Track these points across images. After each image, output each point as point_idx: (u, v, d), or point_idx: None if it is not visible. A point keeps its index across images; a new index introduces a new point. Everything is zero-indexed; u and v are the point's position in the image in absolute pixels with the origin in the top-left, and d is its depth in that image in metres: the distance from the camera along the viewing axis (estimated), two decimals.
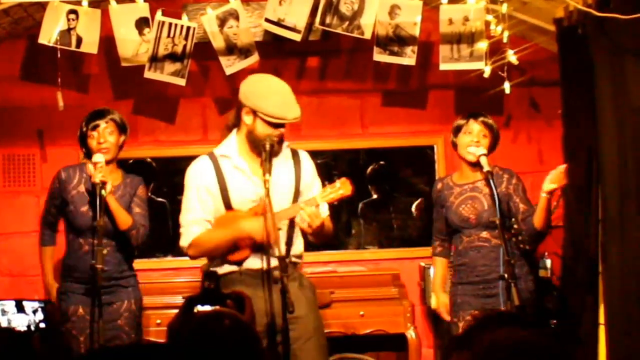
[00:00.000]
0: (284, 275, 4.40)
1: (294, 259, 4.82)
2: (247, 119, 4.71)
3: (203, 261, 5.03)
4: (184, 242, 4.80)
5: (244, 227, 4.66)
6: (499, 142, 5.44)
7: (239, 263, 4.73)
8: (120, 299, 5.32)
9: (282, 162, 4.82)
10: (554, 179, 5.11)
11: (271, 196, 4.59)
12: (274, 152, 4.72)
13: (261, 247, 4.63)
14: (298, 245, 4.86)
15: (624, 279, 5.11)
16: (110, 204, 5.18)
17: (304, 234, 4.81)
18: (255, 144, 4.70)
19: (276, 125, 4.67)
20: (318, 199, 4.68)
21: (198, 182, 4.79)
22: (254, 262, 4.70)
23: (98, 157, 5.21)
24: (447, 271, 5.63)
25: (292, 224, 4.78)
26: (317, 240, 4.88)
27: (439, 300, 5.57)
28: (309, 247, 5.07)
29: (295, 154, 4.89)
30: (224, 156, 4.79)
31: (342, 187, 4.71)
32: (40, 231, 5.66)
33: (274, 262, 4.55)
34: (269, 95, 4.71)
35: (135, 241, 5.36)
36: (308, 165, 4.91)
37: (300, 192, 4.81)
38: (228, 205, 4.74)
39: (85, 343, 5.27)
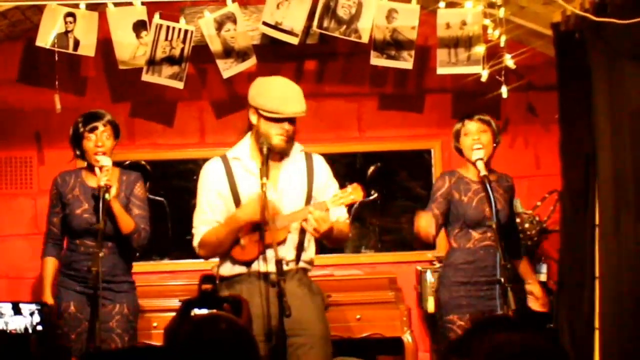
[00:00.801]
0: (281, 278, 4.40)
1: (304, 265, 4.81)
2: (252, 118, 4.75)
3: (204, 264, 5.03)
4: (194, 242, 4.84)
5: (239, 214, 4.68)
6: (500, 138, 5.45)
7: (248, 264, 4.73)
8: (112, 302, 5.30)
9: (294, 165, 4.81)
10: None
11: (282, 199, 4.67)
12: (283, 152, 4.72)
13: (259, 227, 4.62)
14: (310, 251, 4.85)
15: (618, 284, 5.11)
16: (113, 207, 5.16)
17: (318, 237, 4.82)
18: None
19: (277, 120, 4.67)
20: (328, 203, 4.67)
21: (209, 185, 4.81)
22: (262, 265, 4.70)
23: (105, 161, 5.18)
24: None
25: (303, 229, 4.76)
26: (331, 244, 4.91)
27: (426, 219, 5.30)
28: None
29: (309, 157, 4.89)
30: (235, 158, 4.81)
31: (353, 193, 4.70)
32: (43, 244, 5.52)
33: (272, 267, 4.54)
34: (269, 91, 4.74)
35: (136, 244, 5.34)
36: (322, 170, 4.89)
37: (313, 196, 4.79)
38: (238, 206, 4.75)
39: (76, 342, 5.26)
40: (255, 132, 4.75)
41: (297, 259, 4.75)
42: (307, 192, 4.78)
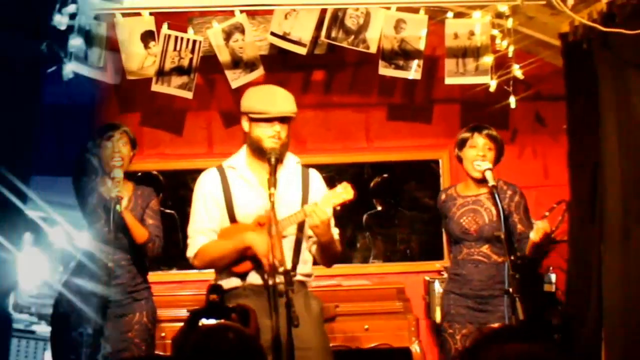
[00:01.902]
0: (289, 288, 4.38)
1: (301, 277, 4.79)
2: (245, 125, 4.77)
3: (211, 274, 5.03)
4: (190, 252, 4.82)
5: (247, 240, 4.65)
6: (504, 154, 5.44)
7: (243, 276, 4.72)
8: (132, 311, 5.32)
9: (291, 177, 4.81)
10: (538, 232, 5.10)
11: (276, 209, 4.59)
12: (278, 156, 4.68)
13: (261, 263, 4.61)
14: (307, 264, 4.84)
15: (625, 293, 5.10)
16: (126, 218, 5.19)
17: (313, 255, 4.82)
18: (257, 151, 4.71)
19: (266, 121, 4.67)
20: (320, 204, 4.65)
21: (205, 192, 4.82)
22: (257, 278, 4.69)
23: (117, 173, 5.21)
24: None
25: (298, 243, 4.75)
26: (324, 258, 4.86)
27: None
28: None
29: (305, 170, 4.88)
30: (230, 167, 4.83)
31: (344, 192, 4.66)
32: None
33: (279, 277, 4.52)
34: (257, 95, 4.79)
35: (151, 253, 5.37)
36: (318, 186, 4.87)
37: None
38: (232, 216, 4.75)
39: (85, 353, 5.29)
40: (248, 139, 4.75)
41: (294, 269, 4.73)
42: (302, 203, 4.76)
